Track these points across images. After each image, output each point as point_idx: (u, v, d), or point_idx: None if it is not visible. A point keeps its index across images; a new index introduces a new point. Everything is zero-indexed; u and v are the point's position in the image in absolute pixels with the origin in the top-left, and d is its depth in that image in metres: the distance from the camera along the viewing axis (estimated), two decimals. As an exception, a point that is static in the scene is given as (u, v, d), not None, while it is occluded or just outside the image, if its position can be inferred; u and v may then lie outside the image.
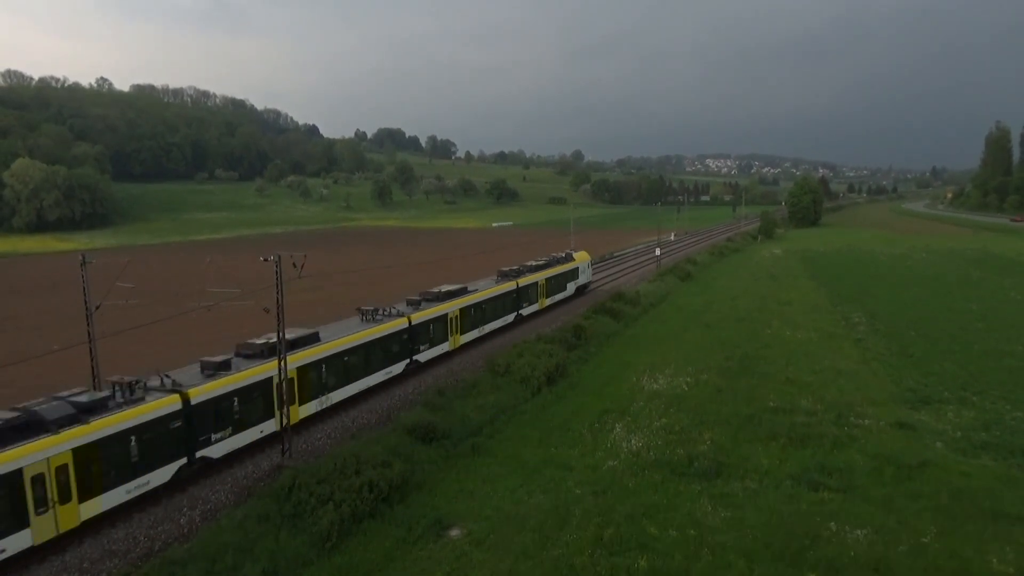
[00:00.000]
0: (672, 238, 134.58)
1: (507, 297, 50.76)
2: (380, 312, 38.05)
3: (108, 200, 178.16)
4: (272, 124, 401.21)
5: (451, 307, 42.45)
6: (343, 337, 32.67)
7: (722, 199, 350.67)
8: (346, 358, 32.23)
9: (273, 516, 21.20)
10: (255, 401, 26.56)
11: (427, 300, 42.33)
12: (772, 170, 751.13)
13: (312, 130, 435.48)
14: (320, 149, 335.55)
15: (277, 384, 26.82)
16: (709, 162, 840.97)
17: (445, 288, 44.40)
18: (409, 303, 41.35)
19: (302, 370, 29.06)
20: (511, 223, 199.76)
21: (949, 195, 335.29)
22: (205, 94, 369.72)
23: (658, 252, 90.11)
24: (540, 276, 57.39)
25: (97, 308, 27.25)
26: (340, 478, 22.48)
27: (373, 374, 34.46)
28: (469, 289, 46.70)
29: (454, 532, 21.24)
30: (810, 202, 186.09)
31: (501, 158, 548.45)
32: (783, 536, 19.86)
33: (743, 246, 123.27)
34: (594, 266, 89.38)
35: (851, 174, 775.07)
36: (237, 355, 28.18)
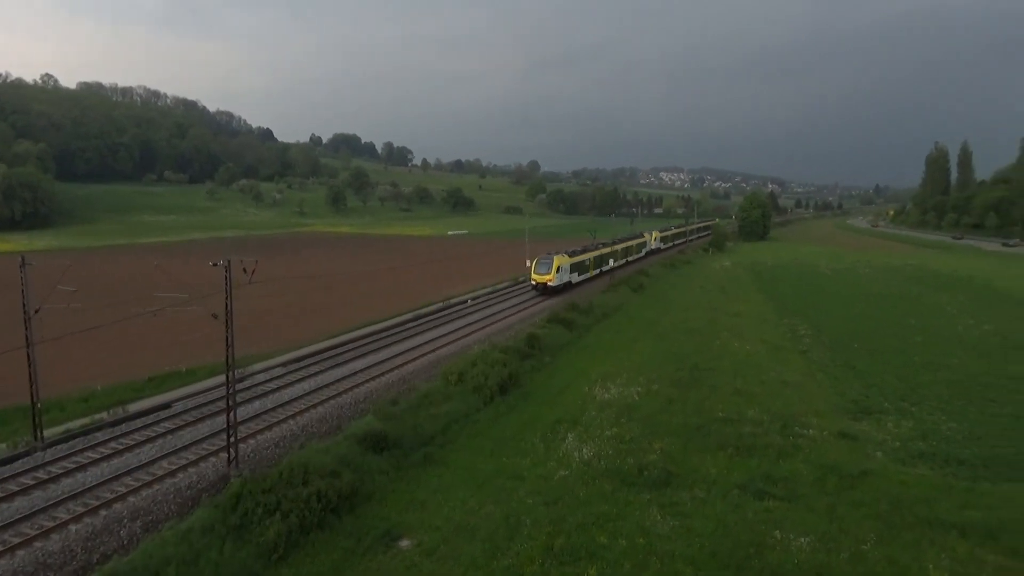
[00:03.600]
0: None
1: (624, 251, 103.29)
2: (592, 246, 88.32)
3: (50, 200, 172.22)
4: (225, 126, 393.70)
5: (612, 249, 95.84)
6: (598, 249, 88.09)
7: (675, 211, 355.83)
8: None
9: (218, 527, 20.67)
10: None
11: (605, 245, 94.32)
12: (723, 184, 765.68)
13: (266, 134, 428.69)
14: (274, 153, 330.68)
15: (230, 394, 26.21)
16: (663, 175, 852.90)
17: (596, 245, 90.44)
18: (601, 244, 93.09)
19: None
20: (467, 232, 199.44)
21: (891, 212, 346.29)
22: (155, 94, 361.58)
23: (560, 283, 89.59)
24: (632, 243, 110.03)
25: (36, 312, 26.34)
26: (288, 488, 22.05)
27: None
28: (614, 242, 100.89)
29: (404, 543, 21.01)
30: (759, 216, 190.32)
31: (458, 166, 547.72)
32: (730, 544, 20.17)
33: (695, 258, 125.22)
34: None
35: (799, 190, 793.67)
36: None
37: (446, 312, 61.99)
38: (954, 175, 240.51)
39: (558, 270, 72.81)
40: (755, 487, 24.08)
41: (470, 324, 56.09)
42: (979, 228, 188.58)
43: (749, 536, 20.62)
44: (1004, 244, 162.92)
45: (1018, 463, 26.46)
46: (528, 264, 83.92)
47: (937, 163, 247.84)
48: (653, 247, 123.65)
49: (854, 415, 32.94)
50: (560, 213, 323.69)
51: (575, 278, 78.34)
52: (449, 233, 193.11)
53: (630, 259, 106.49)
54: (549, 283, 72.02)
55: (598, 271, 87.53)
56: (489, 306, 65.63)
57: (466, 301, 67.62)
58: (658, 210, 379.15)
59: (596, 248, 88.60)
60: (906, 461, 26.90)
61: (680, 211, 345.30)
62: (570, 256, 77.52)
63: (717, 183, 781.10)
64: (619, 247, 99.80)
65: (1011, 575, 18.53)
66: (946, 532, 20.74)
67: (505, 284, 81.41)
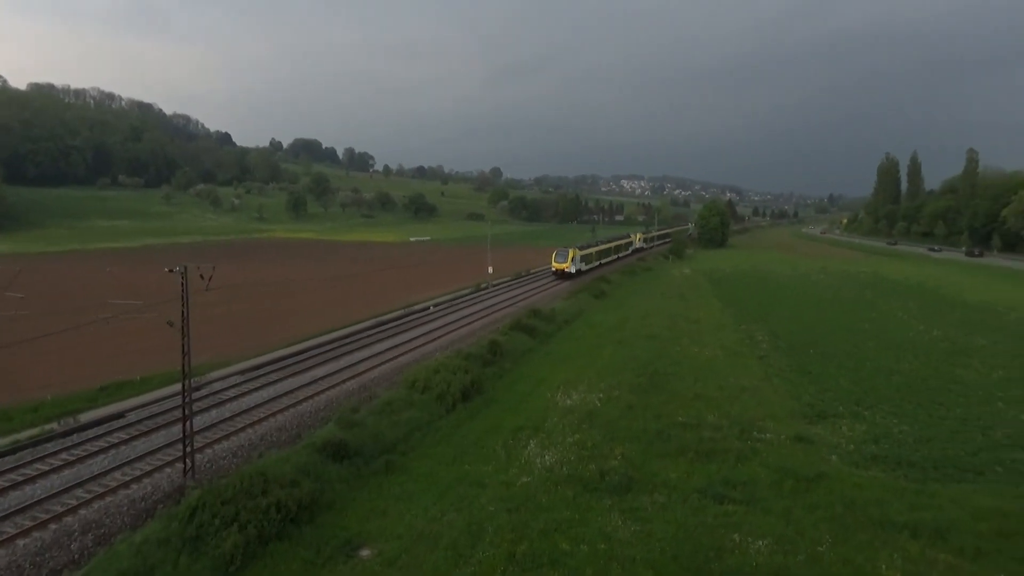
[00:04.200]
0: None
1: (617, 248, 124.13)
2: (593, 243, 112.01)
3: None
4: (181, 130, 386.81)
5: (608, 246, 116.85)
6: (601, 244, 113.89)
7: (636, 219, 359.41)
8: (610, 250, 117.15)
9: (174, 539, 20.21)
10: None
11: (608, 241, 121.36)
12: (683, 192, 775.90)
13: (224, 138, 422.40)
14: (232, 158, 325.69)
15: (186, 403, 25.70)
16: (624, 183, 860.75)
17: (600, 241, 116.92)
18: (600, 242, 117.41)
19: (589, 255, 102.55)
20: (429, 238, 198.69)
21: (844, 221, 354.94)
22: (109, 96, 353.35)
23: (573, 270, 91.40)
24: (623, 242, 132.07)
25: (-18, 320, 25.53)
26: (246, 498, 21.65)
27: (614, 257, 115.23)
28: (609, 240, 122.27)
29: (364, 552, 20.79)
30: (718, 224, 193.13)
31: (420, 172, 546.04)
32: (690, 548, 20.38)
33: (655, 265, 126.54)
34: (512, 283, 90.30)
35: (756, 198, 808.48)
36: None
37: (408, 319, 61.66)
38: (904, 184, 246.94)
39: (572, 260, 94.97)
40: (714, 491, 24.39)
41: (432, 331, 55.87)
42: (929, 236, 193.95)
43: (709, 540, 20.86)
44: (930, 250, 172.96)
45: (965, 464, 27.25)
46: (490, 271, 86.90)
47: (888, 173, 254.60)
48: (638, 246, 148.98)
49: (810, 419, 33.58)
50: (522, 220, 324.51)
51: (583, 267, 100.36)
52: (411, 239, 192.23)
53: (621, 255, 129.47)
54: (566, 270, 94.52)
55: (598, 263, 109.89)
56: (451, 312, 65.47)
57: (428, 308, 67.34)
58: (619, 217, 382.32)
59: (596, 245, 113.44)
60: (860, 464, 27.50)
61: (641, 218, 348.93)
62: (580, 250, 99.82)
63: (677, 191, 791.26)
64: (612, 245, 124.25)
65: (959, 574, 19.06)
66: (898, 532, 21.25)
67: (468, 290, 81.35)
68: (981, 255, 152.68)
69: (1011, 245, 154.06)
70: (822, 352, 48.95)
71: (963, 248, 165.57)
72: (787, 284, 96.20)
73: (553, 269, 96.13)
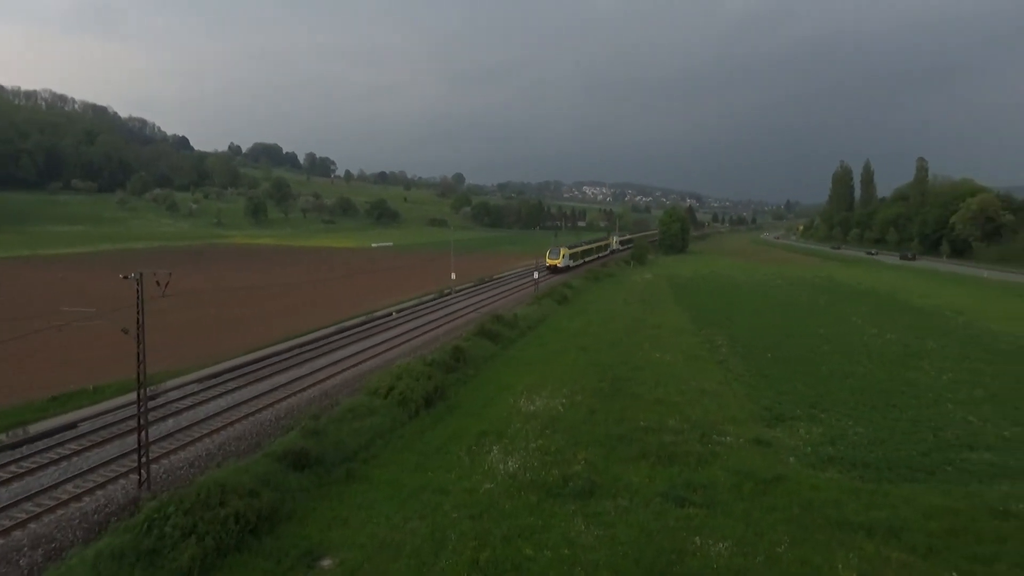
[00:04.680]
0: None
1: (597, 248, 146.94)
2: (579, 244, 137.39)
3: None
4: (137, 133, 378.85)
5: (590, 247, 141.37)
6: (584, 245, 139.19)
7: (598, 225, 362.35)
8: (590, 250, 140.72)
9: (128, 553, 19.58)
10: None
11: (591, 242, 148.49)
12: (644, 199, 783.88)
13: (181, 142, 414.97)
14: (190, 162, 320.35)
15: (141, 412, 25.10)
16: (586, 189, 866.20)
17: (585, 242, 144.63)
18: (585, 243, 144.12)
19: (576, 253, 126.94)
20: (391, 244, 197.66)
21: (800, 227, 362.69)
22: (62, 98, 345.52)
23: (536, 276, 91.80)
24: (602, 243, 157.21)
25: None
26: (204, 509, 21.14)
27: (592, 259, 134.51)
28: (591, 242, 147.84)
29: (326, 563, 20.50)
30: (679, 230, 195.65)
31: (382, 178, 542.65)
32: (652, 552, 20.53)
33: (617, 271, 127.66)
34: (475, 289, 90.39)
35: (716, 204, 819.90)
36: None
37: (370, 325, 61.22)
38: (858, 192, 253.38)
39: (563, 257, 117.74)
40: (676, 494, 24.61)
41: (395, 337, 55.57)
42: (881, 243, 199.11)
43: (670, 543, 21.04)
44: (867, 253, 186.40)
45: (917, 464, 27.94)
46: (453, 276, 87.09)
47: (842, 180, 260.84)
48: (614, 247, 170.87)
49: (768, 422, 34.12)
50: (485, 226, 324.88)
51: (571, 263, 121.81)
52: (373, 245, 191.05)
53: (600, 255, 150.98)
54: (558, 265, 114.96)
55: (583, 261, 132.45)
56: (414, 319, 65.19)
57: (391, 314, 66.96)
58: (581, 223, 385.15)
59: (582, 246, 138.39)
60: (816, 465, 28.01)
61: (603, 224, 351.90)
62: (569, 249, 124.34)
63: (638, 197, 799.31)
64: (595, 246, 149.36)
65: (912, 571, 19.53)
66: (854, 532, 21.66)
67: (431, 296, 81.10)
68: (915, 259, 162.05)
69: (959, 251, 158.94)
70: (780, 356, 49.81)
71: (899, 253, 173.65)
72: (746, 289, 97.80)
73: (547, 264, 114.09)
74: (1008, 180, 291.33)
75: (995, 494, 24.77)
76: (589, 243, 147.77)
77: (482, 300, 79.66)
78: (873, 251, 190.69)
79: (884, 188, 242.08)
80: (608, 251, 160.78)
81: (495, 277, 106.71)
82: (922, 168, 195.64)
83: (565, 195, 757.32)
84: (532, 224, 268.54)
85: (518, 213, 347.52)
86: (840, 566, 19.61)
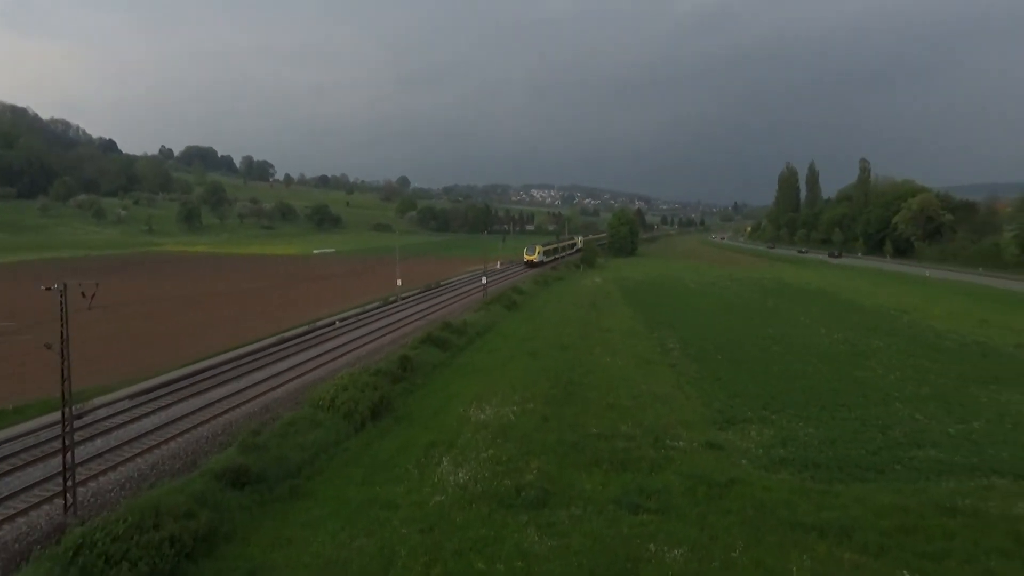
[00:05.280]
0: (498, 267, 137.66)
1: (567, 247, 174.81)
2: (552, 243, 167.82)
3: None
4: (60, 136, 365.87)
5: (560, 245, 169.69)
6: (556, 244, 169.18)
7: (546, 229, 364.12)
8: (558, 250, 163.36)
9: (53, 583, 18.81)
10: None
11: (559, 242, 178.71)
12: (592, 201, 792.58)
13: (108, 145, 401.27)
14: (118, 166, 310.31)
15: (66, 432, 24.13)
16: (534, 192, 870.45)
17: (555, 241, 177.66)
18: (556, 242, 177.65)
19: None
20: (334, 250, 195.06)
21: (748, 229, 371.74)
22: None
23: (484, 281, 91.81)
24: (570, 243, 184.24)
25: None
26: (136, 534, 20.39)
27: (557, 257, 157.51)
28: (561, 241, 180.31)
29: (269, 584, 19.98)
30: (628, 233, 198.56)
31: (323, 182, 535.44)
32: (606, 560, 20.59)
33: (566, 275, 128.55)
34: (421, 296, 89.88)
35: (664, 207, 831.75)
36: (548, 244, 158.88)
37: (313, 335, 60.21)
38: (803, 193, 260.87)
39: (539, 253, 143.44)
40: (630, 501, 24.78)
41: (339, 347, 54.75)
42: (828, 243, 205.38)
43: (625, 551, 21.14)
44: (799, 252, 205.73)
45: (867, 463, 28.75)
46: (399, 283, 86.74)
47: (788, 182, 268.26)
48: (579, 246, 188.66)
49: (720, 425, 34.68)
50: (432, 230, 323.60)
51: (545, 259, 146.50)
52: (314, 252, 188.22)
53: (569, 252, 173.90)
54: (535, 260, 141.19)
55: (554, 257, 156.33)
56: (358, 327, 64.37)
57: (334, 323, 66.01)
58: (530, 227, 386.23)
59: (554, 244, 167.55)
60: (769, 467, 28.57)
61: (551, 228, 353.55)
62: (543, 247, 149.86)
63: (587, 200, 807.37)
64: (564, 244, 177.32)
65: (865, 571, 20.02)
66: (807, 533, 22.14)
67: (376, 304, 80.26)
68: (840, 256, 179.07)
69: (902, 251, 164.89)
70: (731, 358, 50.74)
71: (828, 252, 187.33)
72: (696, 291, 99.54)
73: (525, 260, 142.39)
74: (947, 180, 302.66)
75: (942, 491, 25.66)
76: (559, 242, 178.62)
77: (429, 307, 79.19)
78: (804, 250, 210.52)
79: (829, 189, 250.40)
80: (575, 249, 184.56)
81: (442, 283, 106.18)
82: (865, 169, 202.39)
83: (513, 198, 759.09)
84: (479, 228, 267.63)
85: (465, 217, 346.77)
86: (794, 568, 20.00)
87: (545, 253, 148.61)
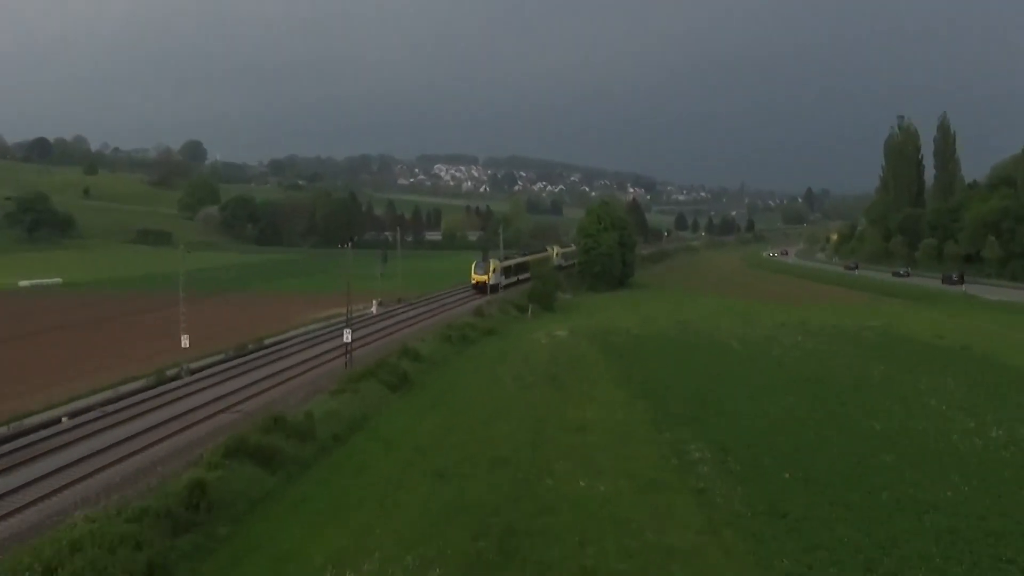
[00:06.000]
0: (374, 310, 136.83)
1: (536, 262, 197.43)
2: (517, 255, 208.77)
3: None
4: None
5: (530, 258, 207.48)
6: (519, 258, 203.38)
7: (463, 237, 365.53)
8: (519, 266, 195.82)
9: None
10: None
11: (526, 254, 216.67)
12: (550, 187, 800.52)
13: None
14: None
15: None
16: (441, 170, 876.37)
17: (518, 254, 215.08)
18: (521, 253, 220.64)
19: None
20: (59, 280, 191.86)
21: (833, 236, 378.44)
22: None
23: (348, 338, 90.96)
24: (540, 256, 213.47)
25: None
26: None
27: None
28: (526, 253, 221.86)
29: None
30: (615, 245, 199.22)
31: (41, 151, 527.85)
32: None
33: (502, 323, 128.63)
34: (229, 366, 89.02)
35: (682, 197, 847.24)
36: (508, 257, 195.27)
37: (16, 445, 58.90)
38: (930, 172, 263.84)
39: (494, 272, 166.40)
40: None
41: (67, 466, 53.59)
42: (974, 260, 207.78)
43: None
44: (894, 274, 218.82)
45: None
46: (184, 343, 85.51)
47: (902, 153, 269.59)
48: (558, 262, 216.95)
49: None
50: (248, 241, 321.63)
51: (503, 280, 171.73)
52: (23, 284, 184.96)
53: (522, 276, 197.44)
54: (487, 282, 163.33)
55: (516, 278, 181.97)
56: (107, 429, 63.23)
57: (60, 420, 64.82)
58: (434, 233, 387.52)
59: (516, 258, 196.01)
60: None
61: (473, 237, 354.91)
62: (501, 262, 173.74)
63: (539, 185, 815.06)
64: (531, 259, 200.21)
65: None
66: None
67: (139, 384, 78.98)
68: (961, 281, 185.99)
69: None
70: (806, 476, 50.99)
71: (942, 274, 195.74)
72: (741, 353, 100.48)
73: (473, 282, 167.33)
74: None
75: None
76: (524, 255, 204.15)
77: (242, 386, 78.21)
78: (905, 271, 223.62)
79: (973, 165, 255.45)
80: (549, 267, 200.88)
81: (266, 343, 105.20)
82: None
83: (401, 181, 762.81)
84: (339, 236, 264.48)
85: (311, 217, 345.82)
86: None
87: (505, 272, 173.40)
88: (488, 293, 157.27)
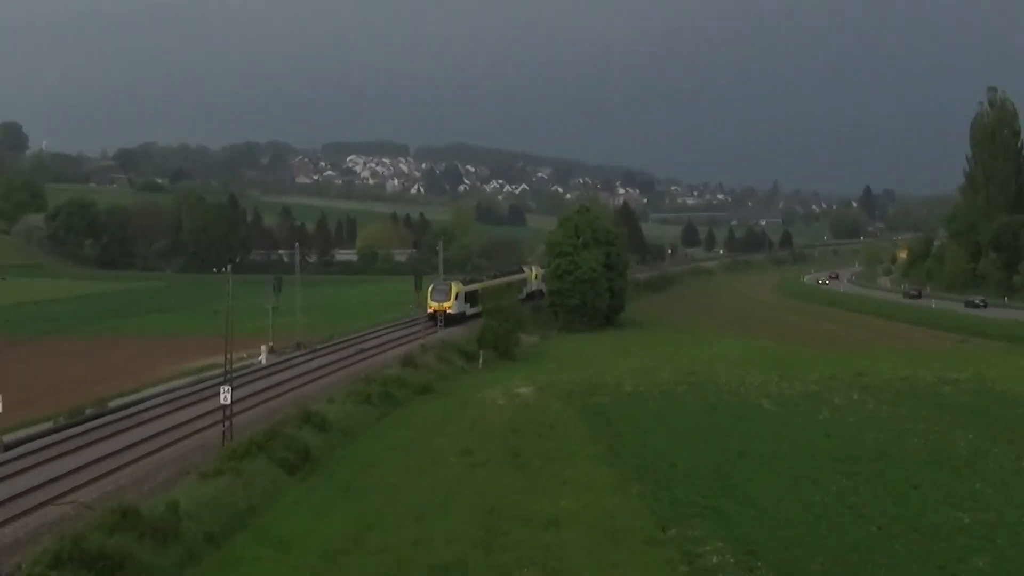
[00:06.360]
0: (263, 359, 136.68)
1: (508, 285, 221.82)
2: (485, 276, 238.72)
3: None
4: None
5: (502, 280, 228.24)
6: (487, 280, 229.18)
7: (386, 254, 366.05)
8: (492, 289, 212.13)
9: None
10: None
11: (488, 276, 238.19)
12: (510, 187, 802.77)
13: None
14: None
15: None
16: (355, 162, 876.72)
17: (485, 276, 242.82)
18: (490, 275, 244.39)
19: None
20: None
21: (902, 255, 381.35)
22: None
23: (227, 397, 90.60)
24: (513, 278, 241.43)
25: None
26: None
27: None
28: (496, 274, 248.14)
29: None
30: (599, 267, 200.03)
31: None
32: None
33: (443, 377, 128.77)
34: (57, 439, 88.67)
35: (691, 201, 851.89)
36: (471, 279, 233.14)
37: None
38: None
39: (455, 297, 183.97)
40: None
41: None
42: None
43: None
44: (967, 304, 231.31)
45: None
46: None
47: (995, 138, 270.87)
48: (536, 287, 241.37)
49: None
50: (86, 261, 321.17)
51: (467, 309, 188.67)
52: None
53: (516, 299, 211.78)
54: (449, 311, 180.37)
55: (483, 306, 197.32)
56: None
57: None
58: (347, 252, 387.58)
59: (483, 280, 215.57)
60: None
61: (401, 256, 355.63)
62: (464, 285, 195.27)
63: (493, 183, 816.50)
64: (503, 282, 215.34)
65: None
66: None
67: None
68: (984, 306, 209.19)
69: None
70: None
71: (965, 300, 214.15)
72: (772, 417, 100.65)
73: (429, 310, 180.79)
74: None
75: None
76: (495, 277, 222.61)
77: (78, 467, 77.71)
78: (979, 300, 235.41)
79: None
80: (524, 293, 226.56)
81: (113, 405, 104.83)
82: None
83: (302, 179, 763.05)
84: (214, 256, 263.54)
85: (175, 229, 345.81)
86: None
87: (469, 297, 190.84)
88: (447, 325, 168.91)
